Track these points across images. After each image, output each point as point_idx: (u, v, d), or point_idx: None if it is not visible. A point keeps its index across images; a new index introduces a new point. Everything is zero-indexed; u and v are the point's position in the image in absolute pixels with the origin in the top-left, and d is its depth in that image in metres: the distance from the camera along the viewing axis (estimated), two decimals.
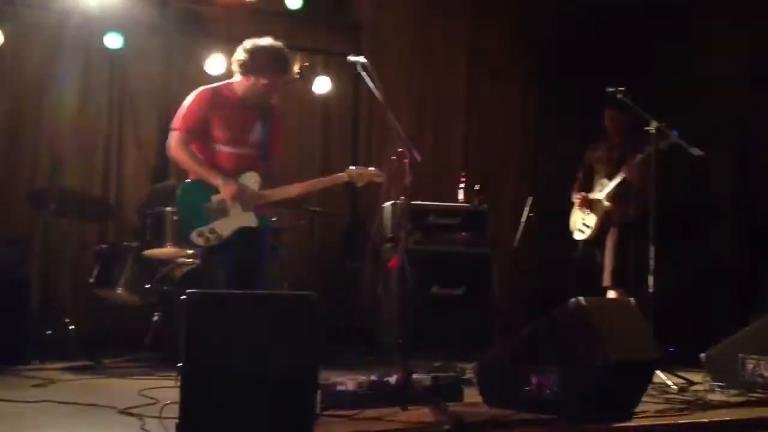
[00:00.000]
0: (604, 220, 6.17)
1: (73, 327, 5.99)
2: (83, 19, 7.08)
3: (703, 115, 8.30)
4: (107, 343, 6.58)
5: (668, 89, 8.48)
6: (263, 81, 4.64)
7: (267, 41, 4.71)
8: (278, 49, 4.68)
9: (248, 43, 4.70)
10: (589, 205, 6.25)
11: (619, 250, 6.10)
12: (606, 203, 6.12)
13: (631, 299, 4.35)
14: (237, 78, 4.74)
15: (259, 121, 4.75)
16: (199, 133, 4.64)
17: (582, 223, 6.28)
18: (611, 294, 6.10)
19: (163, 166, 7.23)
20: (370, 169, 4.78)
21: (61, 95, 7.15)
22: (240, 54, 4.68)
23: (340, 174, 4.78)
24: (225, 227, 4.58)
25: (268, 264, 4.90)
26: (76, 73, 7.18)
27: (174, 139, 4.63)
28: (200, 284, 4.65)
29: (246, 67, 4.65)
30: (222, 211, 4.60)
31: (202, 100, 4.65)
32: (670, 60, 8.77)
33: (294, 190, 4.76)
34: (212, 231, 4.56)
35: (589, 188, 6.38)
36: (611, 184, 6.08)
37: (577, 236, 6.36)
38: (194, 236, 4.57)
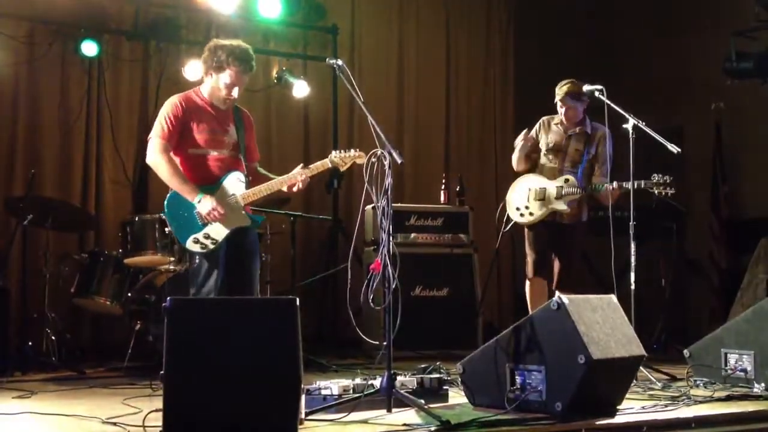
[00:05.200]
0: (551, 217, 5.73)
1: (54, 337, 5.94)
2: (58, 27, 7.05)
3: (680, 111, 8.38)
4: (89, 353, 6.56)
5: (647, 85, 8.57)
6: (224, 79, 4.66)
7: (228, 40, 4.77)
8: (238, 45, 4.71)
9: (211, 43, 4.77)
10: (543, 192, 5.73)
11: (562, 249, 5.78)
12: (564, 206, 5.66)
13: (613, 296, 4.33)
14: (204, 81, 4.77)
15: (232, 123, 4.78)
16: (177, 140, 4.64)
17: (525, 206, 5.76)
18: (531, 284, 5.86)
19: (142, 175, 7.20)
20: (351, 151, 4.80)
21: (37, 104, 7.11)
22: (204, 53, 4.73)
23: (324, 160, 4.79)
24: (219, 230, 4.57)
25: (258, 262, 4.90)
26: (53, 82, 7.14)
27: (153, 147, 4.62)
28: (182, 291, 4.65)
29: (208, 65, 4.69)
30: None
31: (176, 106, 4.67)
32: (648, 57, 8.85)
33: (281, 183, 4.75)
34: (207, 236, 4.55)
35: (534, 163, 5.89)
36: (573, 194, 5.64)
37: (513, 215, 5.83)
38: (190, 244, 4.56)
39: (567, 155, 5.78)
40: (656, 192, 5.39)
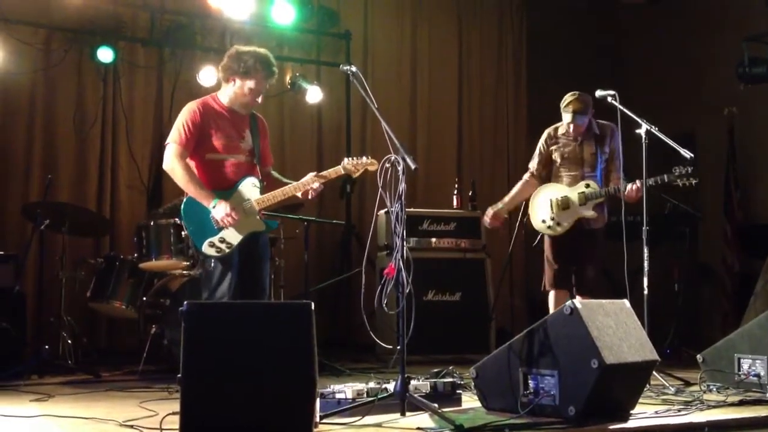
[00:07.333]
0: (578, 224, 5.68)
1: (70, 341, 5.99)
2: (74, 34, 7.11)
3: (693, 116, 8.37)
4: (105, 356, 6.60)
5: (660, 90, 8.57)
6: (249, 84, 4.71)
7: (251, 47, 4.83)
8: (262, 52, 4.78)
9: (233, 49, 4.83)
10: (566, 201, 5.69)
11: (587, 254, 5.75)
12: (591, 211, 5.64)
13: (626, 300, 4.34)
14: (223, 87, 4.82)
15: (248, 129, 4.83)
16: (194, 146, 4.69)
17: (551, 217, 5.69)
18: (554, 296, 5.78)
19: (157, 180, 7.26)
20: (363, 158, 4.84)
21: (54, 110, 7.17)
22: (225, 60, 4.78)
23: (337, 167, 4.83)
24: (234, 234, 4.62)
25: (269, 266, 4.95)
26: (69, 88, 7.21)
27: (170, 152, 4.67)
28: (197, 295, 4.69)
29: (232, 71, 4.73)
30: None
31: (194, 113, 4.71)
32: (661, 62, 8.85)
33: (295, 188, 4.80)
34: (222, 240, 4.60)
35: (547, 178, 5.88)
36: (597, 197, 5.62)
37: (540, 228, 5.77)
38: (206, 247, 4.61)
39: (584, 161, 5.73)
40: (680, 184, 5.32)
